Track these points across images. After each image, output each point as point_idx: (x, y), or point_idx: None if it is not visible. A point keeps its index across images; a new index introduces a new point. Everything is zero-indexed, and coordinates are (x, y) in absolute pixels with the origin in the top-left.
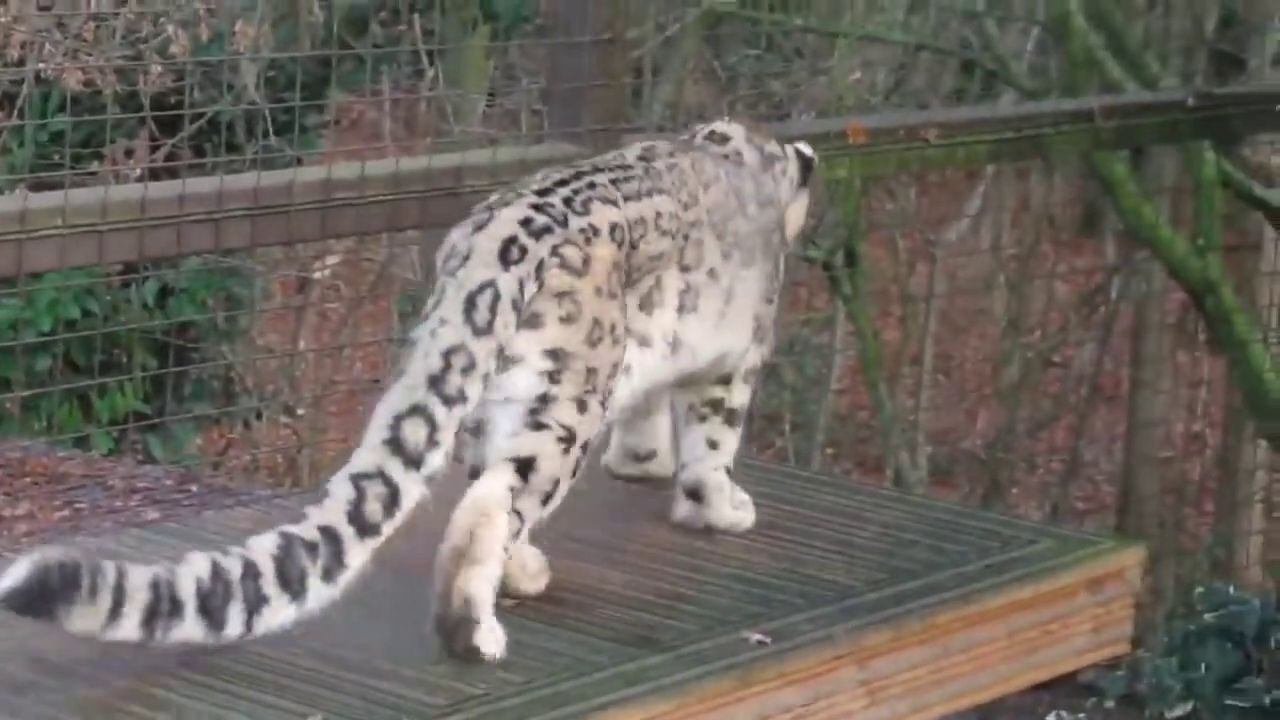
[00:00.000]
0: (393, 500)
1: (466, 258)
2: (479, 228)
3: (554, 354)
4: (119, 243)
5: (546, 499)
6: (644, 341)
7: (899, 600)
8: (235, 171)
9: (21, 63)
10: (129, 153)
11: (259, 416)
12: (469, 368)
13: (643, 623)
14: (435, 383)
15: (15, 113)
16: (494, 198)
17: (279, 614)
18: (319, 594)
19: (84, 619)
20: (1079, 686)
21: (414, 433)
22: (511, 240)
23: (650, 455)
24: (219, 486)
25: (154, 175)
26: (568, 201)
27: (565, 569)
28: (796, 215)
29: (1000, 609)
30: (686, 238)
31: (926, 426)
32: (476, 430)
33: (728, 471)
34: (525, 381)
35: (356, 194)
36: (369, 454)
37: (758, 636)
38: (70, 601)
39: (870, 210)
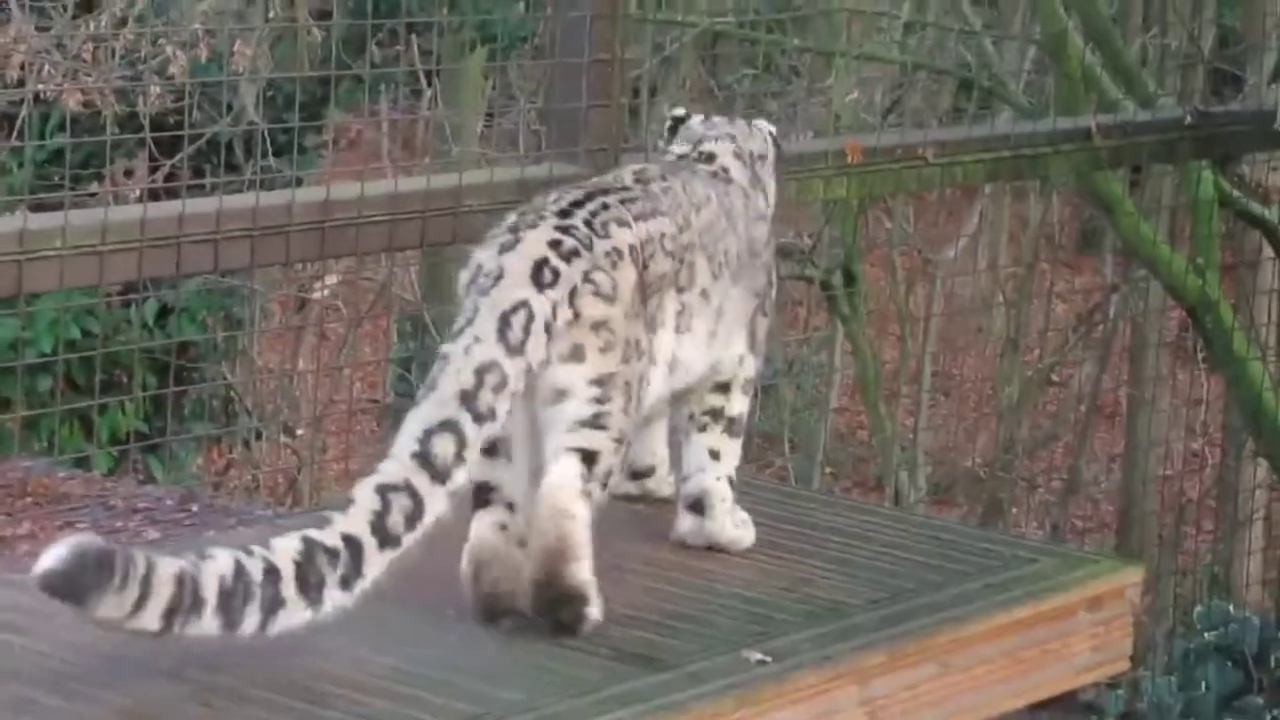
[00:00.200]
0: (416, 514)
1: (498, 278)
2: (507, 249)
3: (598, 381)
4: (119, 263)
5: (604, 484)
6: (650, 360)
7: (899, 619)
8: (234, 192)
9: (21, 83)
10: (128, 173)
11: (259, 436)
12: (500, 386)
13: (643, 642)
14: (467, 399)
15: (15, 133)
16: (512, 219)
17: (294, 618)
18: (335, 601)
19: (110, 607)
20: (1079, 705)
21: (443, 447)
22: (543, 262)
23: (648, 472)
24: (219, 506)
25: (153, 196)
26: (589, 224)
27: None
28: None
29: (1000, 628)
30: (682, 260)
31: (926, 446)
32: (492, 450)
33: (730, 484)
34: (576, 409)
35: (355, 214)
36: (396, 466)
37: (758, 656)
38: (102, 589)
39: (868, 230)
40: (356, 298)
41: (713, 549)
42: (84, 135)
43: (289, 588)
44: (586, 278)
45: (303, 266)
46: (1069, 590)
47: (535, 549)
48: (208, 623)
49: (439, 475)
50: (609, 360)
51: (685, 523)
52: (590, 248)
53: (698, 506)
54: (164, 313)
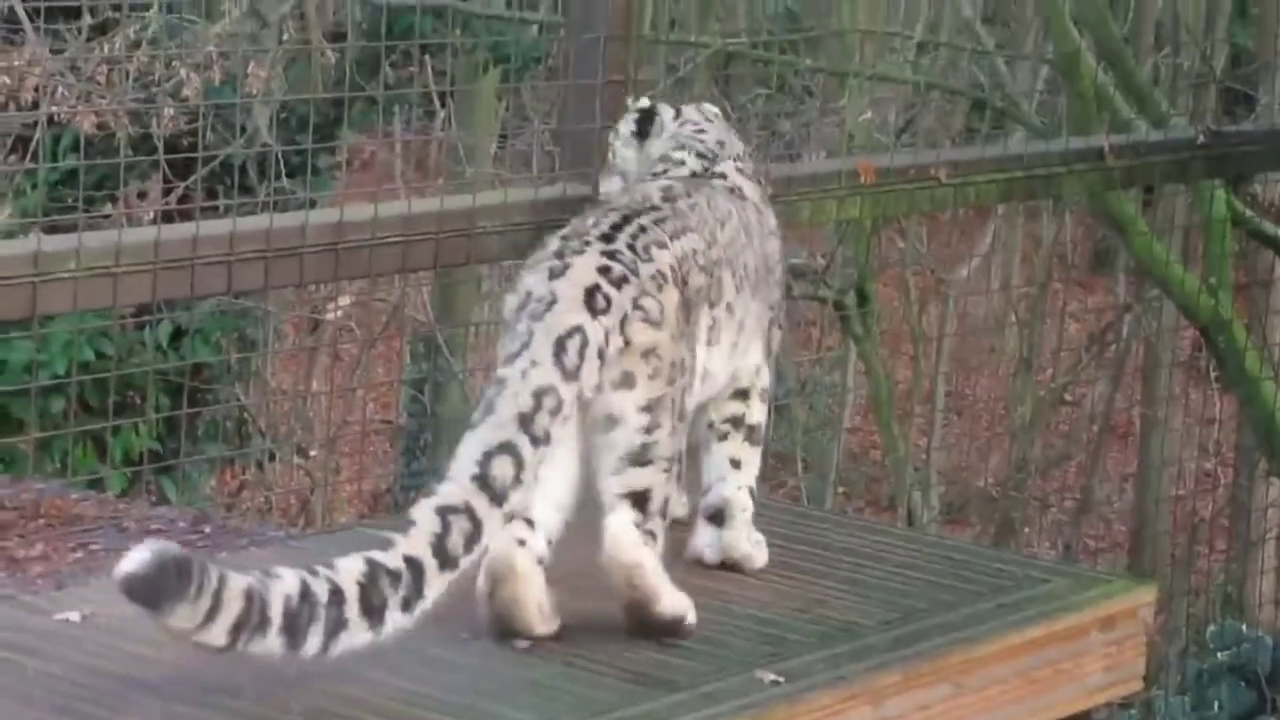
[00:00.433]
0: (475, 536)
1: (551, 303)
2: (557, 275)
3: (648, 408)
4: (133, 285)
5: (663, 514)
6: (691, 373)
7: (912, 640)
8: (248, 213)
9: (35, 105)
10: (142, 195)
11: (272, 457)
12: (556, 409)
13: (657, 663)
14: (525, 422)
15: (29, 155)
16: (556, 244)
17: (356, 639)
18: (396, 623)
19: (183, 618)
20: None
21: (502, 470)
22: (595, 288)
23: None
24: (232, 528)
25: (167, 217)
26: (632, 248)
27: (580, 609)
28: None
29: (1013, 648)
30: (712, 274)
31: (939, 465)
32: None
33: (751, 495)
34: (627, 437)
35: (369, 236)
36: (456, 488)
37: (771, 676)
38: (178, 598)
39: (881, 250)
40: (370, 319)
41: (727, 564)
42: (98, 157)
43: (353, 609)
44: (636, 304)
45: (316, 288)
46: (1082, 610)
47: (618, 605)
48: (271, 641)
49: (497, 497)
50: (657, 385)
51: (703, 535)
52: (636, 273)
53: (718, 518)
54: (178, 334)
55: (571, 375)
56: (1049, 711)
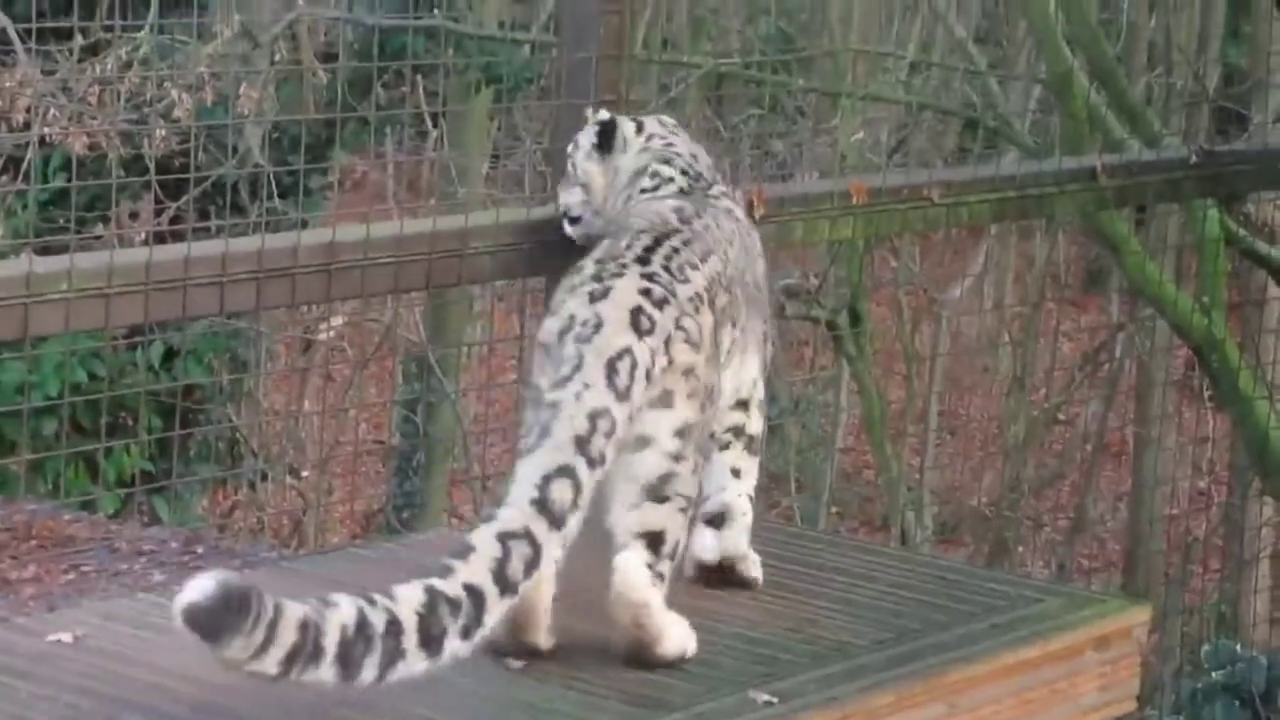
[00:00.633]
0: (534, 561)
1: (599, 326)
2: (599, 298)
3: (681, 433)
4: (125, 306)
5: (674, 556)
6: (715, 401)
7: (905, 660)
8: (240, 234)
9: (27, 126)
10: (134, 215)
11: (264, 478)
12: (611, 431)
13: (651, 683)
14: (582, 445)
15: (20, 176)
16: (591, 268)
17: (412, 669)
18: (454, 651)
19: (238, 648)
20: None
21: (561, 494)
22: (639, 310)
23: None
24: (224, 548)
25: (159, 238)
26: (667, 269)
27: (574, 629)
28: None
29: (1007, 668)
30: (730, 294)
31: (932, 485)
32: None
33: (750, 502)
34: (653, 463)
35: (361, 256)
36: (516, 513)
37: (765, 697)
38: (236, 630)
39: (874, 270)
40: (362, 339)
41: (725, 565)
42: (89, 178)
43: (410, 640)
44: (678, 324)
45: (308, 308)
46: (1076, 630)
47: (618, 637)
48: (325, 671)
49: (556, 521)
50: (692, 408)
51: (703, 538)
52: (675, 294)
53: (717, 521)
54: (170, 355)
55: (624, 396)
56: None
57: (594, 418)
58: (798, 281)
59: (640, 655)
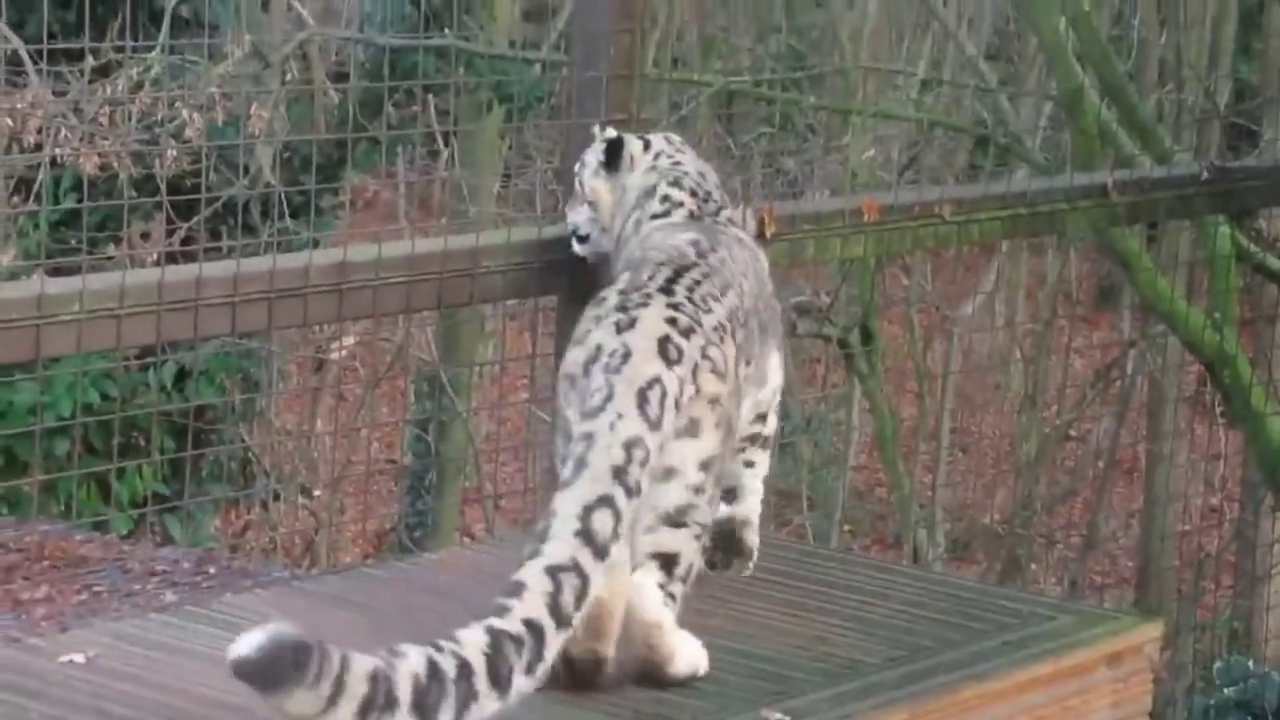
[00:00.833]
0: (583, 591)
1: (627, 355)
2: (625, 328)
3: (705, 465)
4: (137, 326)
5: (686, 579)
6: (734, 435)
7: (918, 677)
8: (251, 254)
9: (39, 147)
10: (145, 236)
11: (277, 498)
12: (645, 461)
13: (663, 701)
14: (619, 474)
15: (31, 197)
16: (614, 299)
17: (485, 710)
18: (520, 688)
19: (302, 703)
20: None
21: (602, 524)
22: (666, 339)
23: None
24: (237, 568)
25: (171, 258)
26: (690, 300)
27: None
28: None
29: (1019, 685)
30: (747, 327)
31: (944, 502)
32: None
33: (762, 485)
34: (676, 494)
35: (373, 276)
36: (562, 545)
37: (777, 715)
38: (296, 683)
39: (885, 287)
40: (373, 359)
41: (728, 532)
42: (101, 198)
43: (482, 681)
44: (704, 354)
45: (320, 328)
46: (1088, 647)
47: (629, 656)
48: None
49: (600, 551)
50: (716, 438)
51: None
52: (700, 324)
53: (729, 496)
54: (182, 375)
55: (656, 425)
56: None
57: (629, 447)
58: (809, 299)
59: (651, 674)
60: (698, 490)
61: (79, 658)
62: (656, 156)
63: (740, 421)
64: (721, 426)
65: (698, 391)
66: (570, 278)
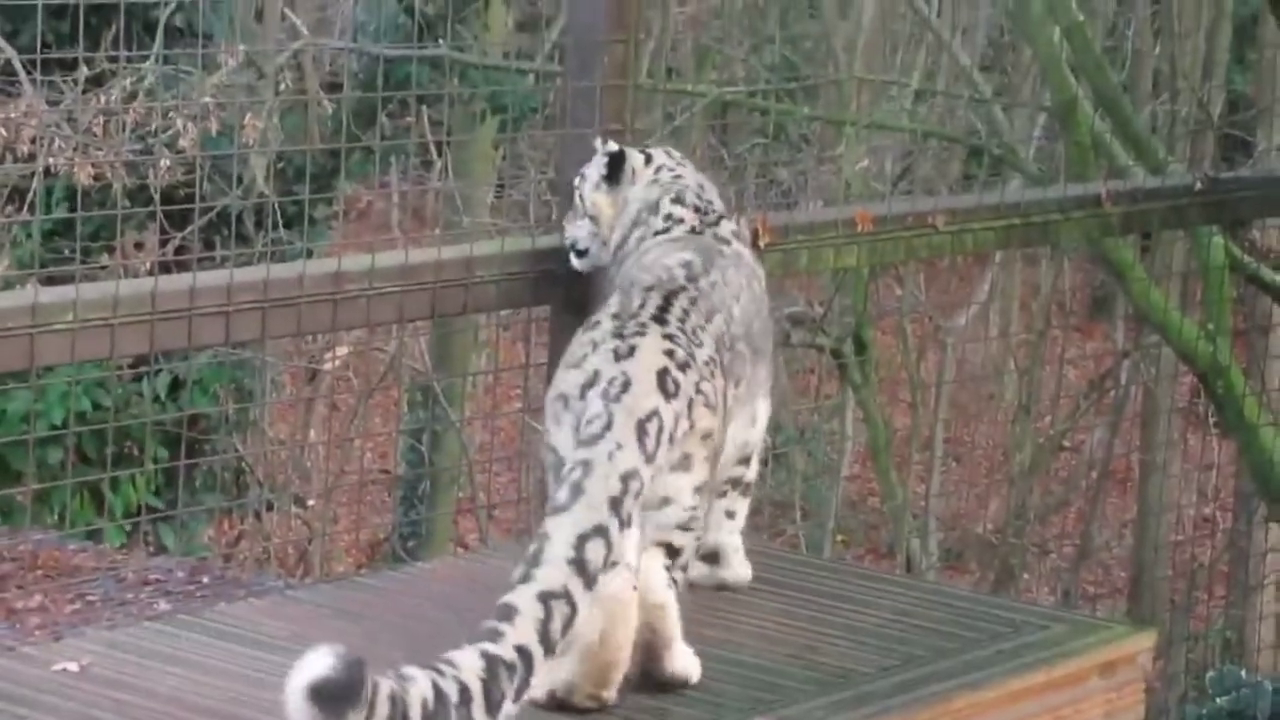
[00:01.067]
0: (570, 619)
1: (627, 384)
2: (624, 357)
3: (699, 489)
4: (130, 336)
5: (685, 569)
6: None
7: (911, 686)
8: (245, 264)
9: (32, 157)
10: (139, 245)
11: (270, 507)
12: (638, 493)
13: (656, 710)
14: (615, 506)
15: (25, 206)
16: (609, 324)
17: None
18: (508, 713)
19: None
20: None
21: (595, 553)
22: (664, 372)
23: None
24: (230, 578)
25: (164, 268)
26: (683, 331)
27: None
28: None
29: (1012, 694)
30: (734, 351)
31: (937, 512)
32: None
33: (740, 535)
34: (674, 515)
35: (366, 286)
36: (556, 572)
37: None
38: (353, 706)
39: (879, 297)
40: (367, 369)
41: (720, 588)
42: (94, 208)
43: (479, 709)
44: (698, 388)
45: (313, 338)
46: (1081, 656)
47: (636, 642)
48: None
49: (590, 581)
50: (706, 469)
51: (698, 569)
52: (694, 359)
53: (712, 558)
54: (175, 385)
55: (651, 458)
56: None
57: (626, 479)
58: (803, 309)
59: (650, 661)
60: (693, 509)
61: (73, 666)
62: (658, 170)
63: (728, 448)
64: (712, 458)
65: (692, 427)
66: (564, 288)
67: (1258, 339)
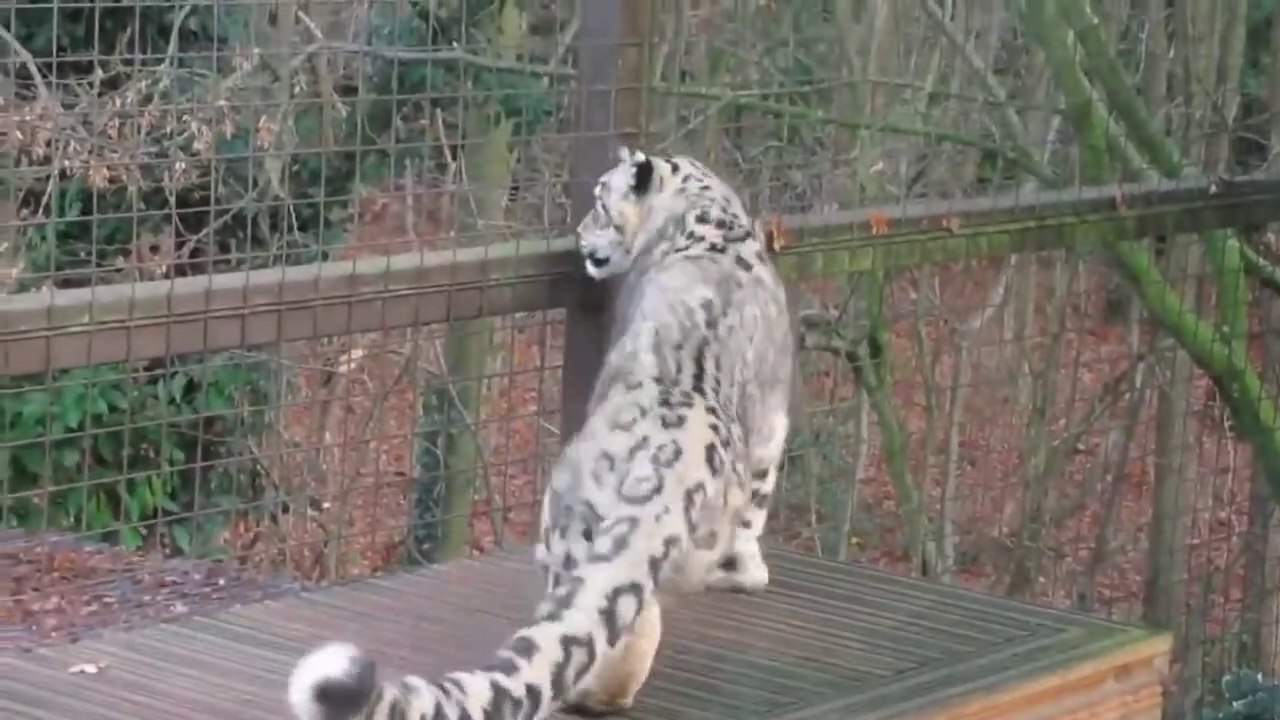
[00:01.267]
0: (586, 668)
1: (678, 453)
2: (672, 425)
3: (719, 559)
4: (146, 339)
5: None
6: None
7: (926, 689)
8: (260, 266)
9: (47, 160)
10: (154, 248)
11: (285, 510)
12: (674, 560)
13: (671, 713)
14: (654, 566)
15: (41, 209)
16: (652, 389)
17: None
18: None
19: None
20: None
21: (627, 609)
22: (712, 448)
23: None
24: (246, 580)
25: (180, 271)
26: (719, 403)
27: None
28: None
29: (1028, 697)
30: (744, 395)
31: (953, 515)
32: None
33: (758, 543)
34: (687, 589)
35: (381, 288)
36: (584, 619)
37: None
38: (357, 711)
39: (893, 300)
40: (382, 371)
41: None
42: (109, 211)
43: None
44: (734, 467)
45: (329, 341)
46: (1097, 659)
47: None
48: None
49: (615, 636)
50: (729, 540)
51: (715, 575)
52: (732, 437)
53: (729, 564)
54: (191, 388)
55: (693, 528)
56: None
57: (669, 544)
58: (817, 312)
59: (619, 695)
60: (709, 567)
61: (90, 668)
62: (685, 179)
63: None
64: (732, 531)
65: (725, 505)
66: (579, 291)
67: (1273, 342)
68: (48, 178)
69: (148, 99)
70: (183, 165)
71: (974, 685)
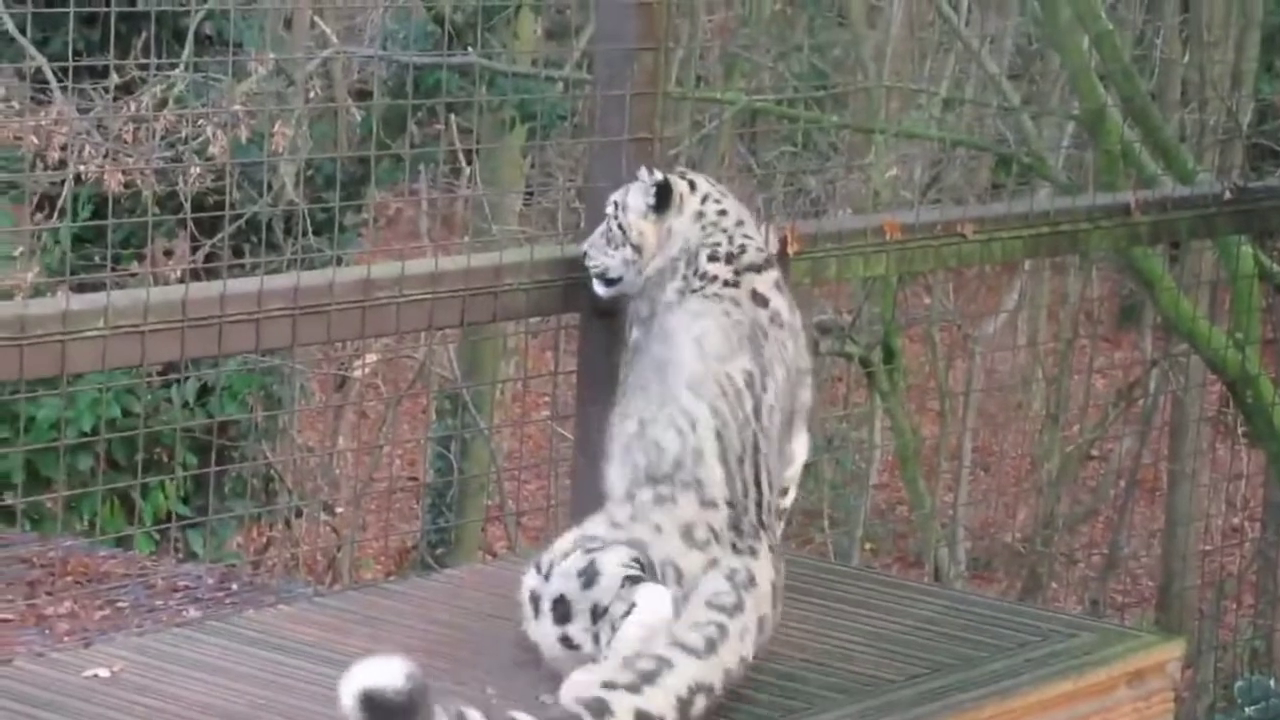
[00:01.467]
0: None
1: (752, 579)
2: (744, 553)
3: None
4: (161, 343)
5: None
6: None
7: (939, 695)
8: (275, 271)
9: (62, 164)
10: (169, 253)
11: (299, 514)
12: (740, 673)
13: None
14: (729, 674)
15: (56, 214)
16: (725, 512)
17: None
18: None
19: None
20: None
21: (699, 706)
22: (775, 585)
23: None
24: (259, 584)
25: (194, 275)
26: (749, 501)
27: None
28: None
29: (1041, 703)
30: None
31: (965, 521)
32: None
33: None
34: None
35: (396, 293)
36: (664, 702)
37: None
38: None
39: (907, 306)
40: (396, 376)
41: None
42: (124, 215)
43: None
44: (778, 589)
45: (342, 345)
46: (1110, 665)
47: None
48: None
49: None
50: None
51: None
52: (755, 552)
53: None
54: (204, 392)
55: (751, 656)
56: None
57: (742, 662)
58: (831, 318)
59: None
60: None
61: (103, 672)
62: (704, 200)
63: None
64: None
65: (761, 625)
66: (593, 296)
67: None
68: (63, 182)
69: (163, 103)
70: (197, 170)
71: (986, 691)
